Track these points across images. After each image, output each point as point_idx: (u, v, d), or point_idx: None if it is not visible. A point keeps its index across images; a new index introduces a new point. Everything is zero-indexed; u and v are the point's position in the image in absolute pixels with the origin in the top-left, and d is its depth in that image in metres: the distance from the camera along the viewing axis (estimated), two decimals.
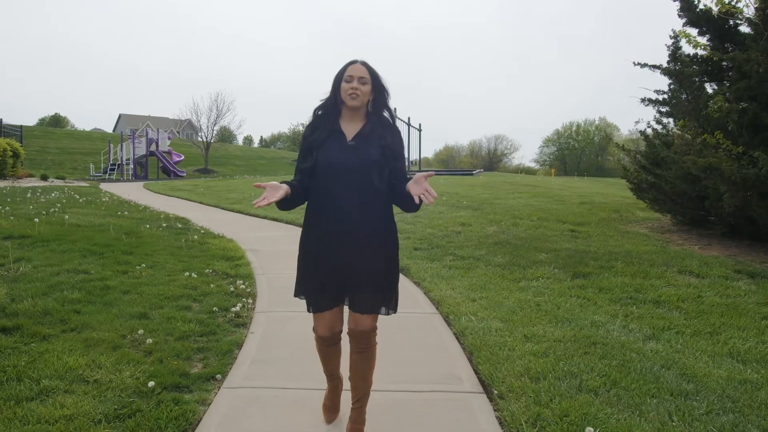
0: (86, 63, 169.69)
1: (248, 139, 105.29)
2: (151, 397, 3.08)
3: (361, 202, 2.52)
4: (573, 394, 3.25)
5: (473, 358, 3.86)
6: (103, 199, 13.02)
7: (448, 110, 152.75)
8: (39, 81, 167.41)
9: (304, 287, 2.71)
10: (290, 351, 4.03)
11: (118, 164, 36.37)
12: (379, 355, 2.80)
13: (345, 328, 2.79)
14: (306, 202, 2.66)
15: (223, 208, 13.35)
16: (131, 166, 36.14)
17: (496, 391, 3.33)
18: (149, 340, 3.86)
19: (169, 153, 39.19)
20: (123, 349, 3.71)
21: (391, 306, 2.70)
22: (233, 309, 4.71)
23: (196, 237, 7.92)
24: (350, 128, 2.63)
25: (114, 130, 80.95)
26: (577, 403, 3.11)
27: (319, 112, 2.68)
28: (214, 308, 4.70)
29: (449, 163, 73.88)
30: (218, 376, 3.49)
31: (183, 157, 41.61)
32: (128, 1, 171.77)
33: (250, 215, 12.00)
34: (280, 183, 2.44)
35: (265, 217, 11.39)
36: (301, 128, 62.98)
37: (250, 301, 5.01)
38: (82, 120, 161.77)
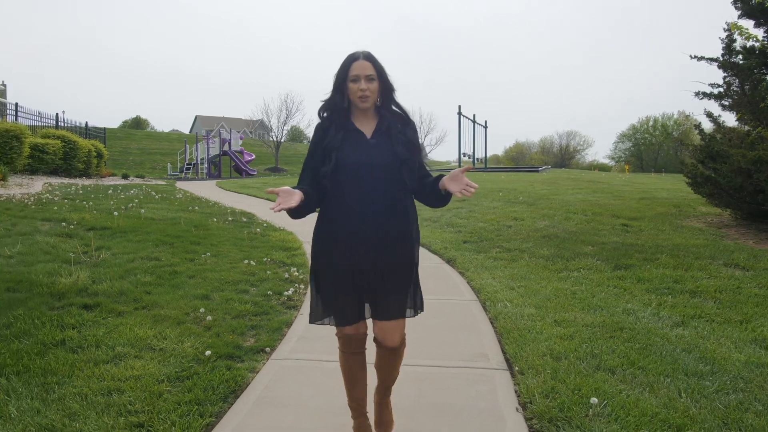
0: (166, 69, 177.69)
1: None
2: (207, 364, 3.52)
3: (391, 201, 2.38)
4: (590, 372, 3.45)
5: (502, 340, 4.12)
6: (177, 196, 13.93)
7: (518, 106, 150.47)
8: (123, 86, 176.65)
9: (324, 306, 2.51)
10: (333, 330, 4.40)
11: (194, 164, 38.12)
12: (415, 337, 3.03)
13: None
14: (317, 208, 2.48)
15: None
16: (205, 165, 37.76)
17: (517, 368, 3.58)
18: (209, 318, 4.33)
19: (240, 152, 40.65)
20: (186, 325, 4.18)
21: (418, 305, 2.57)
22: (286, 293, 5.14)
23: (258, 230, 8.48)
24: (366, 125, 2.47)
25: (190, 131, 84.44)
26: (592, 379, 3.32)
27: (325, 114, 2.50)
28: (269, 292, 5.15)
29: (519, 160, 72.89)
30: (267, 349, 3.90)
31: (254, 156, 43.06)
32: (202, 19, 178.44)
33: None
34: (293, 188, 2.26)
35: None
36: None
37: (302, 286, 5.43)
38: (161, 122, 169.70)
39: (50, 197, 10.53)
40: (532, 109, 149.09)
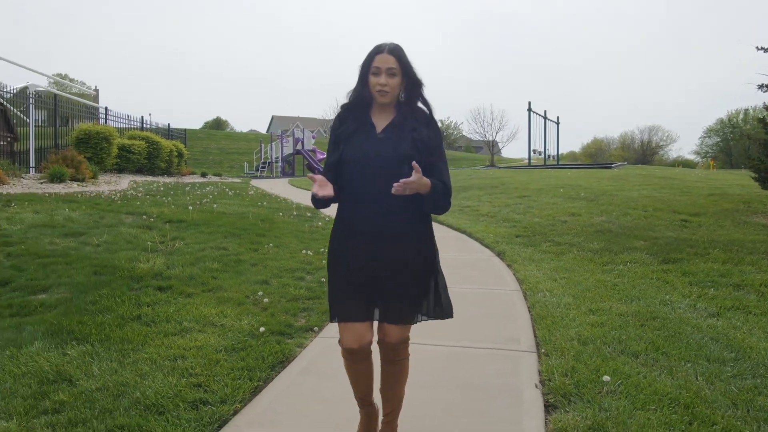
0: (244, 71, 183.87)
1: None
2: (260, 338, 3.94)
3: (390, 200, 2.25)
4: (613, 356, 3.64)
5: (535, 326, 4.34)
6: (249, 193, 14.72)
7: (597, 101, 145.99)
8: (205, 89, 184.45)
9: (331, 303, 2.46)
10: None
11: (268, 162, 39.53)
12: (452, 322, 3.22)
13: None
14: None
15: None
16: (279, 163, 39.07)
17: (543, 350, 3.81)
18: (266, 300, 4.78)
19: (313, 151, 41.75)
20: (245, 305, 4.65)
21: (427, 312, 2.45)
22: None
23: (320, 223, 8.96)
24: (381, 120, 2.40)
25: (267, 131, 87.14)
26: (613, 362, 3.51)
27: (347, 106, 2.45)
28: (322, 279, 5.56)
29: (598, 157, 70.83)
30: (315, 329, 4.30)
31: (326, 155, 44.14)
32: (277, 25, 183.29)
33: None
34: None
35: None
36: (439, 124, 63.81)
37: None
38: (240, 122, 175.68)
39: (134, 193, 11.46)
40: (612, 103, 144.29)
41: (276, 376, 3.47)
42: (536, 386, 3.32)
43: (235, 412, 2.98)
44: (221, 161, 46.97)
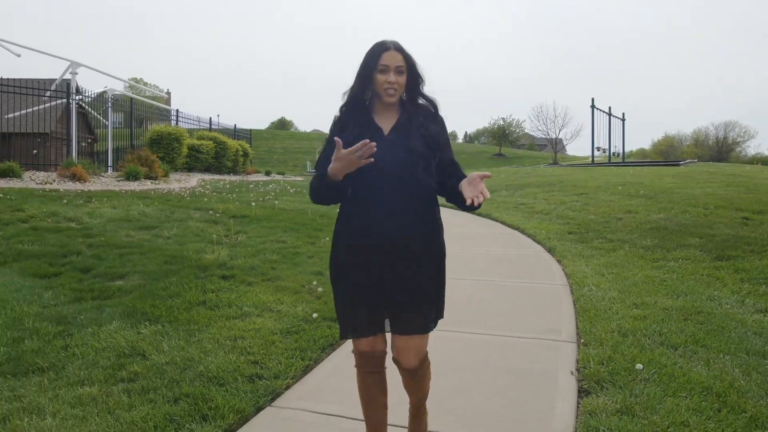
0: (309, 71, 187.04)
1: (452, 135, 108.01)
2: (312, 323, 4.24)
3: (406, 203, 2.18)
4: (652, 347, 3.72)
5: (578, 318, 4.45)
6: None
7: (669, 97, 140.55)
8: (271, 90, 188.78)
9: (339, 316, 2.33)
10: None
11: None
12: (496, 311, 3.36)
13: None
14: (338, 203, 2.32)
15: None
16: None
17: (583, 341, 3.93)
18: (320, 289, 5.08)
19: None
20: (301, 294, 4.96)
21: (433, 320, 2.32)
22: None
23: None
24: (386, 121, 2.28)
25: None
26: (651, 353, 3.60)
27: (346, 108, 2.32)
28: None
29: (669, 154, 68.23)
30: None
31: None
32: (343, 28, 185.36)
33: None
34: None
35: (443, 206, 12.41)
36: (501, 122, 63.11)
37: None
38: (304, 122, 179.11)
39: (202, 191, 12.10)
40: (685, 99, 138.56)
41: (326, 357, 3.75)
42: (572, 373, 3.46)
43: (287, 387, 3.27)
44: (285, 160, 48.14)
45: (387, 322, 2.30)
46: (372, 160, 2.04)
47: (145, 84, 64.04)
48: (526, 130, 61.84)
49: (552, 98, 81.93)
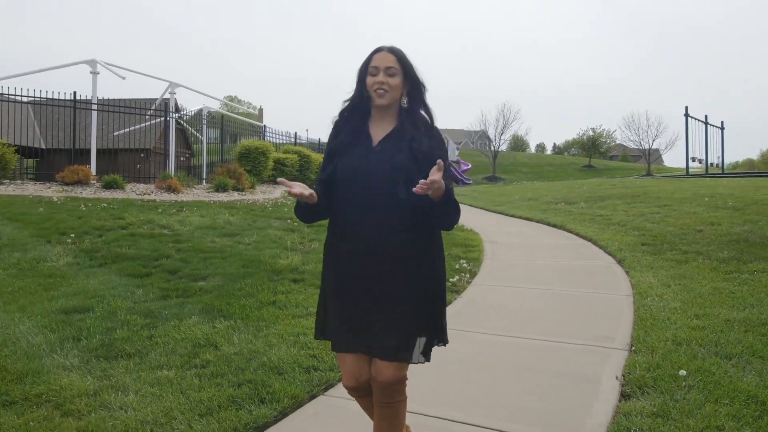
0: None
1: (540, 147, 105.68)
2: None
3: (385, 219, 2.10)
4: (704, 356, 3.70)
5: (634, 327, 4.46)
6: None
7: None
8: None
9: (322, 325, 2.30)
10: (483, 310, 5.13)
11: None
12: (554, 319, 3.39)
13: None
14: (330, 216, 2.27)
15: (486, 209, 14.73)
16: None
17: (633, 348, 3.96)
18: None
19: (457, 162, 42.28)
20: None
21: (424, 349, 2.19)
22: (451, 280, 5.97)
23: None
24: (379, 130, 2.22)
25: None
26: (701, 361, 3.59)
27: (345, 113, 2.28)
28: None
29: None
30: None
31: (470, 166, 44.34)
32: (424, 37, 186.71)
33: (509, 215, 13.10)
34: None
35: (520, 217, 12.41)
36: (591, 133, 61.36)
37: (467, 276, 6.21)
38: None
39: (284, 201, 12.73)
40: None
41: None
42: (616, 378, 3.52)
43: (340, 379, 3.54)
44: None
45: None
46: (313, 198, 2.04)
47: (239, 102, 67.36)
48: (618, 141, 59.78)
49: (645, 106, 78.68)
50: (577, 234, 9.40)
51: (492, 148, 50.57)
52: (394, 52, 2.19)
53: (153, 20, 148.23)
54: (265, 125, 23.25)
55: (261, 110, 62.78)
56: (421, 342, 2.18)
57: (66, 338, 4.02)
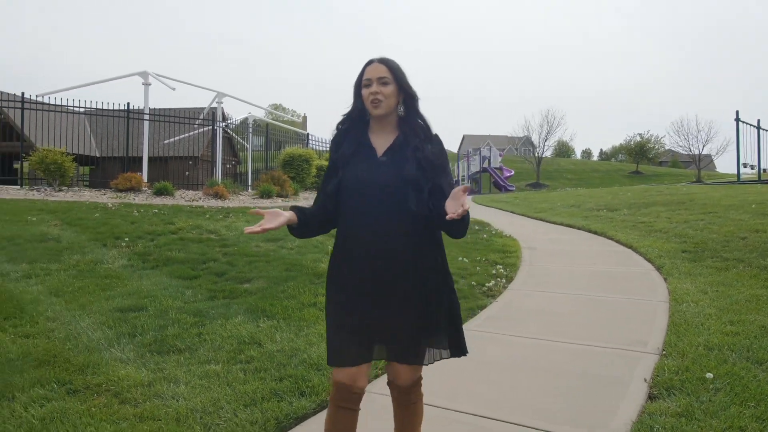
0: (432, 90, 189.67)
1: (587, 153, 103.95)
2: None
3: (397, 228, 2.13)
4: (735, 361, 3.74)
5: (668, 332, 4.50)
6: None
7: None
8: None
9: (331, 340, 2.23)
10: (518, 315, 5.24)
11: (456, 180, 40.78)
12: (587, 324, 3.48)
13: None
14: (332, 229, 2.32)
15: (528, 216, 14.70)
16: (466, 181, 40.07)
17: (664, 352, 4.02)
18: None
19: (500, 169, 42.11)
20: None
21: (440, 346, 2.25)
22: (487, 284, 6.10)
23: (485, 236, 9.52)
24: (381, 141, 2.25)
25: (459, 150, 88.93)
26: (731, 366, 3.63)
27: (343, 126, 2.31)
28: (473, 282, 6.16)
29: None
30: None
31: (513, 172, 44.12)
32: (466, 43, 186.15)
33: (550, 222, 13.05)
34: (291, 209, 2.22)
35: (561, 224, 12.37)
36: (638, 138, 60.13)
37: (503, 281, 6.32)
38: None
39: None
40: None
41: None
42: (645, 380, 3.60)
43: (376, 376, 3.72)
44: None
45: (376, 349, 2.22)
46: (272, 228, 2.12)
47: (284, 110, 68.59)
48: (667, 146, 58.45)
49: (694, 110, 76.66)
50: (617, 241, 9.36)
51: (536, 155, 50.13)
52: (386, 62, 2.23)
53: (200, 32, 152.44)
54: (308, 133, 23.74)
55: (305, 118, 63.84)
56: (435, 342, 2.24)
57: (122, 334, 4.33)
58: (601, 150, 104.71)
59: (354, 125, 2.29)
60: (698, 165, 47.36)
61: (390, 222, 2.14)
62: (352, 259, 2.18)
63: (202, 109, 20.54)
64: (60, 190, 12.69)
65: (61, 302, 5.10)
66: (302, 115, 66.94)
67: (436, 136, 2.31)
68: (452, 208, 2.00)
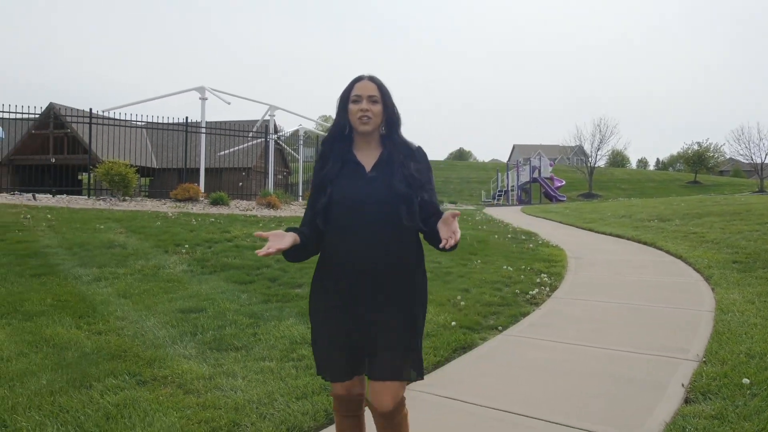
0: (487, 102, 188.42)
1: (642, 162, 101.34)
2: (449, 329, 4.86)
3: (388, 243, 2.15)
4: None
5: (711, 340, 4.54)
6: (476, 218, 15.83)
7: None
8: (452, 123, 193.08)
9: (316, 358, 2.28)
10: (559, 322, 5.35)
11: (504, 191, 40.52)
12: (629, 332, 3.50)
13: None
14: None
15: (576, 226, 14.64)
16: (516, 191, 39.77)
17: (705, 359, 4.08)
18: (462, 303, 5.69)
19: (550, 179, 41.64)
20: (445, 306, 5.61)
21: (416, 367, 2.22)
22: (531, 292, 6.21)
23: (531, 245, 9.59)
24: (367, 157, 2.26)
25: (509, 160, 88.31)
26: None
27: (329, 142, 2.32)
28: (517, 291, 6.28)
29: None
30: (500, 328, 5.07)
31: (564, 182, 43.55)
32: (519, 50, 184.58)
33: (599, 232, 12.98)
34: (286, 231, 2.18)
35: (610, 234, 12.29)
36: (696, 147, 58.38)
37: (547, 289, 6.42)
38: (482, 152, 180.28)
39: None
40: None
41: (457, 357, 4.35)
42: (682, 385, 3.68)
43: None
44: (461, 190, 49.21)
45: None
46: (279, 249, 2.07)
47: None
48: (728, 155, 56.57)
49: (756, 118, 73.80)
50: (666, 251, 9.29)
51: (588, 164, 49.30)
52: (375, 80, 2.25)
53: (253, 45, 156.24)
54: None
55: None
56: (411, 360, 2.21)
57: (184, 333, 4.67)
58: (658, 159, 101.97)
59: (338, 141, 2.30)
60: (760, 174, 45.67)
61: (381, 237, 2.15)
62: (343, 273, 2.18)
63: (255, 121, 21.24)
64: (124, 200, 13.40)
65: (128, 303, 5.51)
66: None
67: (420, 149, 2.33)
68: (445, 234, 2.04)
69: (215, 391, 3.55)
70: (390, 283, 2.17)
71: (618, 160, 72.90)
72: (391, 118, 2.27)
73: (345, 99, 2.24)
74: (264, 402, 3.39)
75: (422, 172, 2.25)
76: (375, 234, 2.15)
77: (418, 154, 2.30)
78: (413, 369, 2.19)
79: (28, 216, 9.79)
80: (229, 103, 17.39)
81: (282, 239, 2.11)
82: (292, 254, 2.18)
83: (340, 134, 2.28)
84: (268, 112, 19.69)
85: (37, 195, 13.20)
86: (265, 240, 2.11)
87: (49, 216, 9.94)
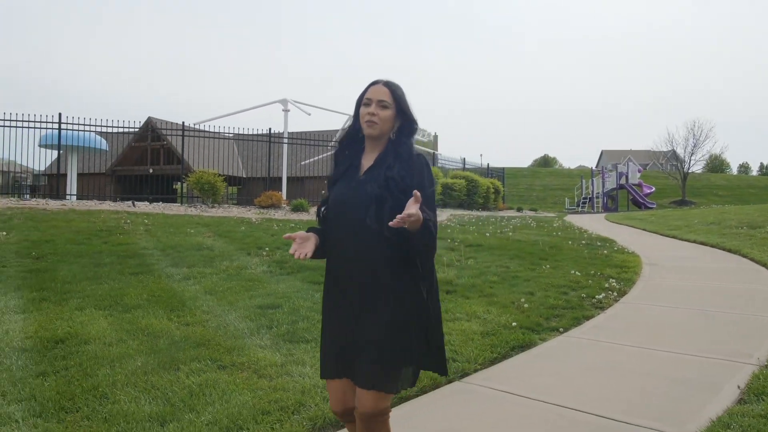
0: (571, 107, 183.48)
1: (744, 167, 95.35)
2: (510, 329, 5.02)
3: (359, 248, 2.13)
4: None
5: None
6: (554, 225, 15.65)
7: None
8: (535, 130, 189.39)
9: (320, 352, 2.35)
10: (623, 325, 5.38)
11: (589, 198, 39.35)
12: (694, 333, 3.49)
13: None
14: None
15: (659, 233, 14.20)
16: (601, 198, 38.53)
17: (765, 363, 4.04)
18: (526, 305, 5.81)
19: (639, 185, 40.04)
20: (508, 308, 5.76)
21: (396, 380, 2.13)
22: (597, 297, 6.24)
23: (605, 252, 9.49)
24: (368, 161, 2.26)
25: (596, 166, 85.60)
26: None
27: (342, 144, 2.35)
28: (583, 295, 6.33)
29: None
30: (561, 329, 5.17)
31: (654, 189, 41.74)
32: (603, 53, 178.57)
33: (682, 239, 12.56)
34: (308, 231, 2.23)
35: (694, 241, 11.89)
36: None
37: (614, 294, 6.42)
38: (568, 159, 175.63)
39: (449, 223, 13.53)
40: None
41: (514, 355, 4.52)
42: (738, 387, 3.69)
43: (475, 370, 4.14)
44: (544, 197, 48.24)
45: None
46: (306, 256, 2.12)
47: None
48: None
49: None
50: (750, 259, 8.94)
51: (681, 170, 46.98)
52: (389, 85, 2.23)
53: (335, 53, 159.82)
54: (435, 152, 24.44)
55: (436, 137, 64.73)
56: (408, 371, 2.17)
57: (261, 326, 5.09)
58: (761, 164, 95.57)
59: (352, 143, 2.32)
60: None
61: (354, 241, 2.14)
62: (336, 276, 2.23)
63: (336, 131, 21.95)
64: (212, 207, 14.31)
65: (213, 299, 6.03)
66: (433, 134, 67.99)
67: (419, 155, 2.24)
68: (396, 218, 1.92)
69: (285, 376, 3.92)
70: (370, 291, 2.12)
71: (716, 165, 68.90)
72: (403, 124, 2.25)
73: (359, 102, 2.25)
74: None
75: (411, 176, 2.13)
76: (354, 236, 2.14)
77: (413, 159, 2.20)
78: (394, 381, 2.12)
79: (128, 221, 10.73)
80: (309, 114, 18.14)
81: (306, 243, 2.16)
82: (318, 255, 2.22)
83: (354, 137, 2.30)
84: (347, 122, 20.30)
85: (136, 202, 14.36)
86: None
87: (146, 221, 10.85)
